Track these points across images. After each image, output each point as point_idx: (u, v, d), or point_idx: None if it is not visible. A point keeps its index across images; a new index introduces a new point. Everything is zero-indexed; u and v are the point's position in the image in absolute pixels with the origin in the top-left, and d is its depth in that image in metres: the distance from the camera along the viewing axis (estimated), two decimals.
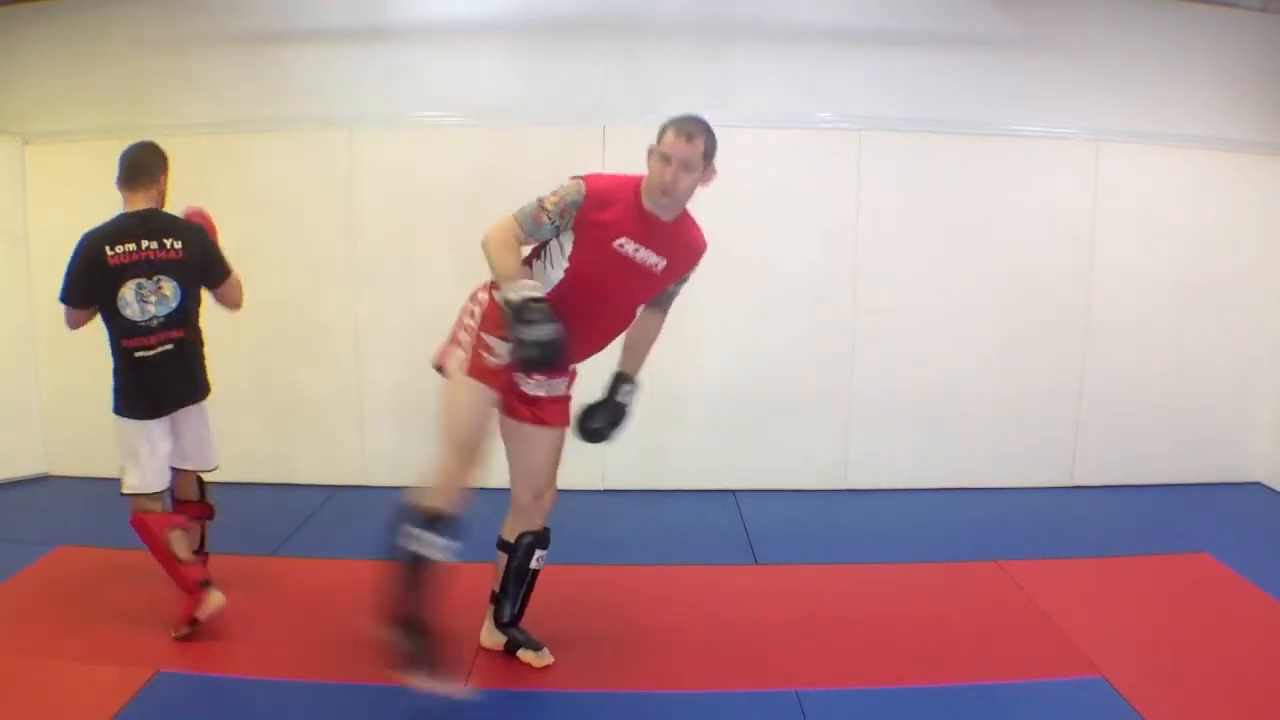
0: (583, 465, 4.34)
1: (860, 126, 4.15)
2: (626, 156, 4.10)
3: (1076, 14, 4.19)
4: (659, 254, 2.39)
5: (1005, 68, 4.19)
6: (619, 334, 2.62)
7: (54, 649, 2.70)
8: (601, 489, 4.35)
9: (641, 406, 4.27)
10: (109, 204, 4.27)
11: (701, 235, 2.49)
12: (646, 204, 2.36)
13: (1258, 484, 4.46)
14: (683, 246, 2.44)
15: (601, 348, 2.60)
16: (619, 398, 2.70)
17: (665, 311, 2.64)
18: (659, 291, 2.53)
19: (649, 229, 2.37)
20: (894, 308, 4.25)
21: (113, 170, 4.67)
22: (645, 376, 4.25)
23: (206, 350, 3.08)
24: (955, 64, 4.18)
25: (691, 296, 4.15)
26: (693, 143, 2.29)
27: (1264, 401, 4.45)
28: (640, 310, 2.59)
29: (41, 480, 4.45)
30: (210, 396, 3.10)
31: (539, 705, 2.49)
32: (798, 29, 4.16)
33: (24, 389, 4.40)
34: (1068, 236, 4.28)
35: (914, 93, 4.18)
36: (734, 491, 4.26)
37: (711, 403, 4.31)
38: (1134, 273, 4.30)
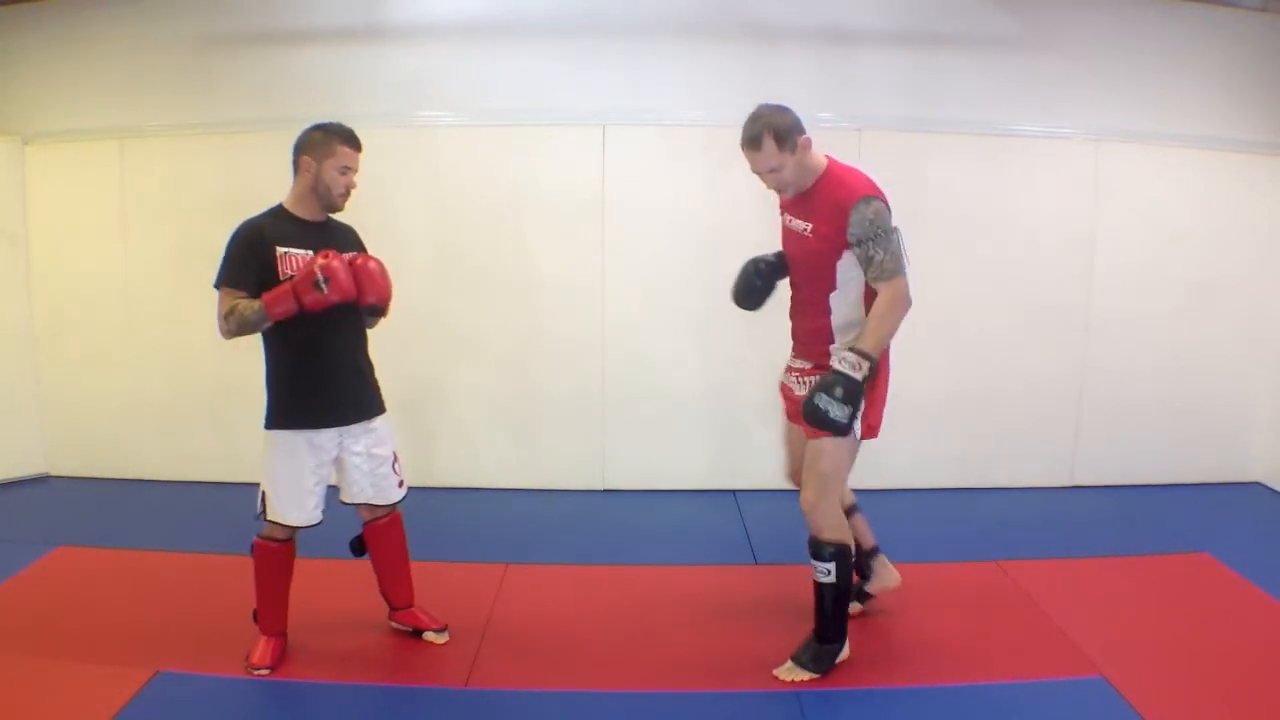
0: (583, 465, 4.38)
1: (860, 126, 4.14)
2: (626, 156, 4.17)
3: (1076, 14, 4.19)
4: (803, 219, 2.59)
5: (1005, 68, 4.19)
6: (817, 320, 2.63)
7: (54, 649, 2.70)
8: (601, 489, 4.35)
9: (642, 407, 4.33)
10: (108, 204, 4.31)
11: (846, 190, 2.51)
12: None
13: (1258, 484, 4.46)
14: (824, 206, 2.53)
15: (814, 335, 2.65)
16: (838, 366, 2.47)
17: (883, 282, 2.47)
18: (817, 257, 2.56)
19: (795, 203, 2.64)
20: None
21: (111, 170, 4.68)
22: (650, 378, 4.29)
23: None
24: (955, 64, 4.18)
25: (692, 298, 4.19)
26: (760, 151, 2.49)
27: (1264, 401, 4.45)
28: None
29: (41, 480, 4.45)
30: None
31: (539, 705, 2.49)
32: (797, 29, 4.16)
33: (24, 389, 4.40)
34: (1068, 236, 4.28)
35: (914, 93, 4.18)
36: (734, 491, 4.26)
37: (712, 403, 4.32)
38: (1134, 272, 4.30)
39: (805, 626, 2.90)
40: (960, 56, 4.18)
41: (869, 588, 2.99)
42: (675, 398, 4.32)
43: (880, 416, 2.60)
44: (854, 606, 2.94)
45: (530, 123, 4.15)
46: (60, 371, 4.44)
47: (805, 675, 2.58)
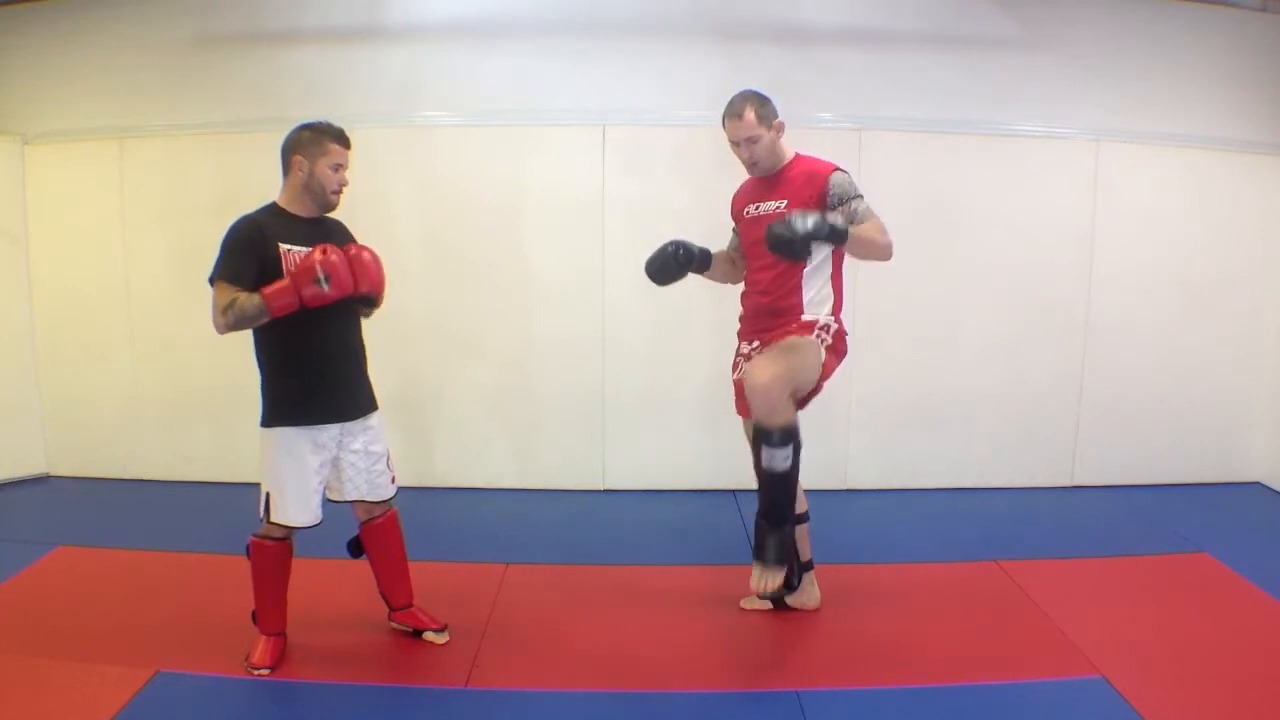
0: (583, 465, 4.38)
1: (860, 126, 4.15)
2: (626, 156, 4.17)
3: (1076, 14, 4.19)
4: (775, 199, 2.76)
5: (1005, 68, 4.19)
6: (788, 298, 2.76)
7: (54, 649, 2.70)
8: (601, 489, 4.36)
9: (643, 407, 4.33)
10: (109, 203, 4.31)
11: (819, 165, 2.74)
12: (752, 176, 2.84)
13: (1257, 484, 4.47)
14: (797, 181, 2.73)
15: (783, 312, 2.77)
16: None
17: (869, 220, 2.65)
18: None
19: (761, 189, 2.81)
20: (893, 307, 4.25)
21: (111, 170, 4.67)
22: (650, 378, 4.29)
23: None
24: (955, 64, 4.19)
25: (689, 298, 4.19)
26: (742, 119, 2.68)
27: (1264, 401, 4.45)
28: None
29: (41, 480, 4.45)
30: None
31: (539, 705, 2.49)
32: (798, 29, 4.16)
33: (24, 390, 4.40)
34: (1067, 236, 4.28)
35: (914, 93, 4.18)
36: (734, 491, 4.26)
37: (712, 403, 4.31)
38: (1134, 272, 4.30)
39: (806, 626, 2.91)
40: (960, 56, 4.19)
41: (790, 600, 2.99)
42: (675, 398, 4.32)
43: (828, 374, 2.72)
44: (763, 604, 3.00)
45: (530, 122, 4.15)
46: (60, 371, 4.45)
47: (777, 575, 2.57)
